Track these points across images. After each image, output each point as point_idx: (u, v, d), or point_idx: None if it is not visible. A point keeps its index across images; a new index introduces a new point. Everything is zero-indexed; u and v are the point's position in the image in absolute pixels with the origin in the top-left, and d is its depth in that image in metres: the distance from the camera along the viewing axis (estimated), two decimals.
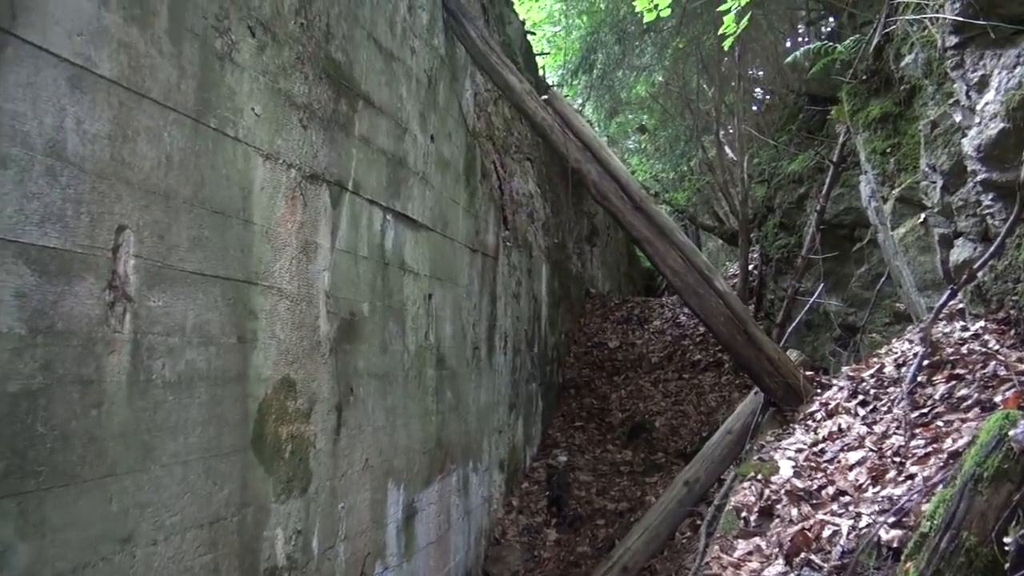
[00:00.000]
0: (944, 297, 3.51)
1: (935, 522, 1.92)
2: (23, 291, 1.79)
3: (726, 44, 4.47)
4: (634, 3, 5.27)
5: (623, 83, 9.70)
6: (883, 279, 5.78)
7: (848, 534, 2.43)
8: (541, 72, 9.32)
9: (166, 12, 2.28)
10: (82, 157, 1.97)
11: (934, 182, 4.71)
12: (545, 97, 4.56)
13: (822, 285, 5.45)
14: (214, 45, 2.52)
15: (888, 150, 5.43)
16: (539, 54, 9.12)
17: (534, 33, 9.41)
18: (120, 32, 2.10)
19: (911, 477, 2.49)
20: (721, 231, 13.90)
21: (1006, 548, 1.77)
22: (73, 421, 1.92)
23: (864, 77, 5.54)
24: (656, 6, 4.55)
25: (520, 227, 6.96)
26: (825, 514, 2.73)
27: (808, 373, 4.15)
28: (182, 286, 2.35)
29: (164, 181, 2.27)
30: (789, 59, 5.52)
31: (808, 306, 5.64)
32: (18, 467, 1.76)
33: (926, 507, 2.13)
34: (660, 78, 9.99)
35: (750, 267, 9.06)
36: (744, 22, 4.42)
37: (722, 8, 4.27)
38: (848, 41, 5.68)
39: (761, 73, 12.17)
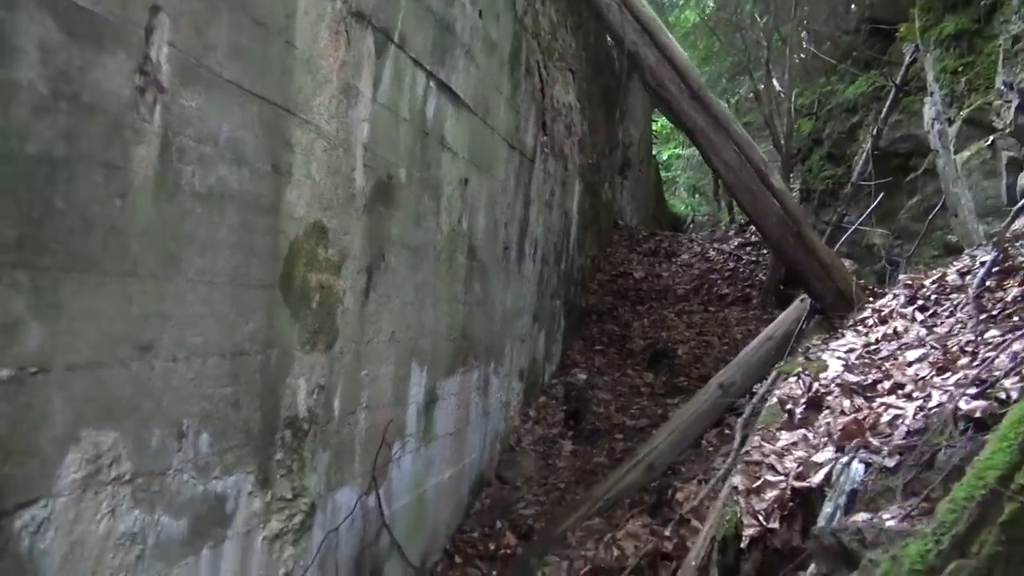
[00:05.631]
0: (1021, 204, 3.28)
1: None
2: (47, 46, 1.61)
3: None
4: None
5: (673, 5, 9.28)
6: (935, 210, 5.53)
7: (915, 415, 2.26)
8: None
9: None
10: None
11: (1009, 101, 4.40)
12: None
13: (877, 200, 5.19)
14: None
15: (960, 69, 5.11)
16: None
17: None
18: None
19: (989, 360, 2.30)
20: None
21: None
22: (95, 206, 1.76)
23: None
24: None
25: (558, 137, 6.70)
26: (882, 404, 2.55)
27: (860, 282, 3.94)
28: (218, 93, 2.16)
29: None
30: None
31: (850, 233, 5.40)
32: (33, 238, 1.60)
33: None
34: (712, 2, 9.55)
35: None
36: None
37: None
38: None
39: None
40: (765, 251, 8.71)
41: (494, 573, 4.04)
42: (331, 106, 2.78)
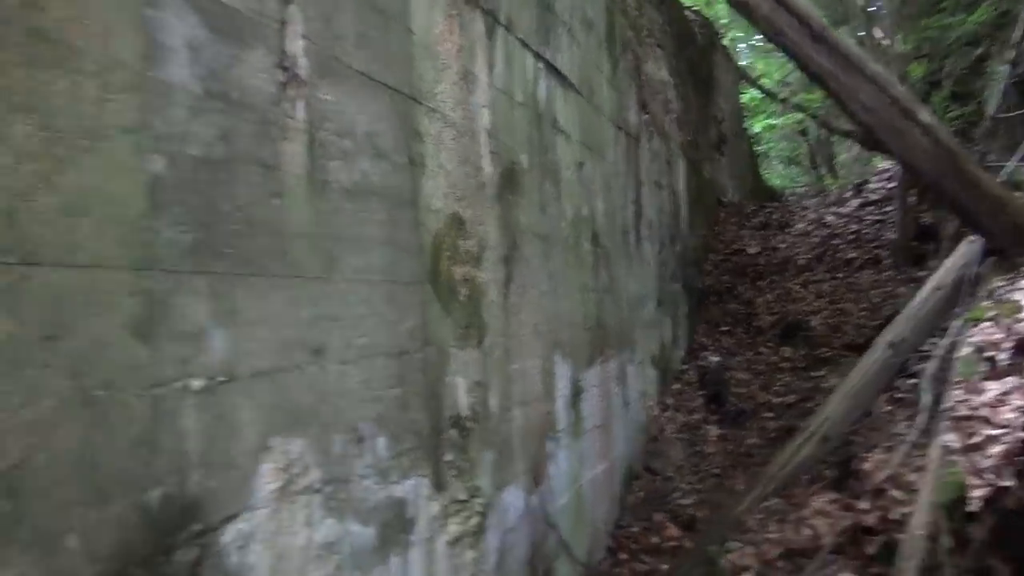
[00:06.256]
0: None
1: None
2: (195, 44, 1.56)
3: None
4: None
5: None
6: None
7: None
8: None
9: None
10: None
11: None
12: None
13: None
14: None
15: None
16: None
17: None
18: None
19: None
20: (858, 135, 12.78)
21: None
22: (255, 206, 1.70)
23: None
24: None
25: (657, 115, 6.47)
26: None
27: None
28: (350, 85, 2.09)
29: None
30: None
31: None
32: (206, 243, 1.55)
33: None
34: None
35: None
36: None
37: None
38: None
39: None
40: (890, 208, 8.16)
41: (663, 566, 3.84)
42: (453, 93, 2.69)
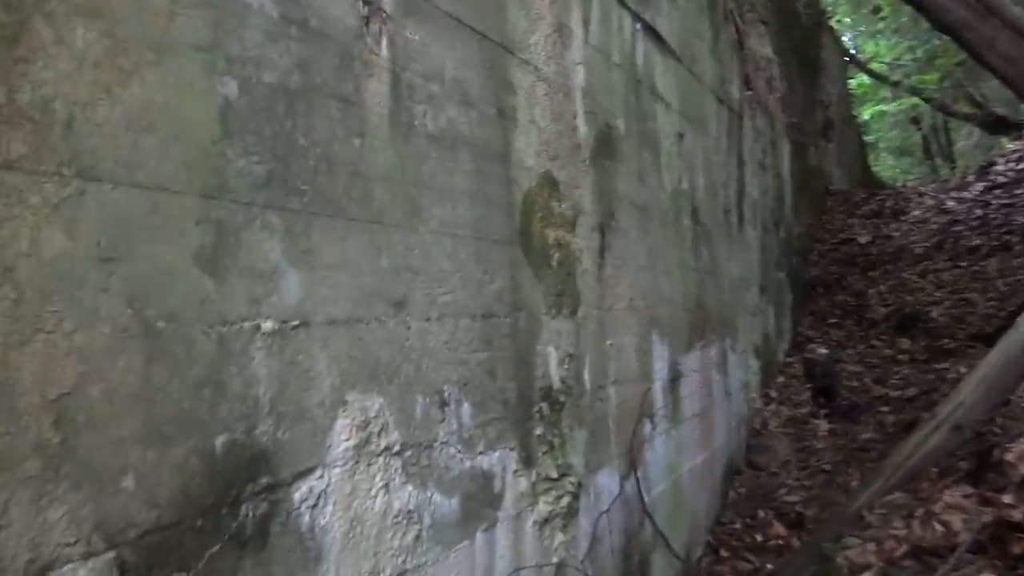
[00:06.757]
0: None
1: None
2: None
3: None
4: None
5: None
6: None
7: None
8: None
9: None
10: None
11: None
12: None
13: None
14: None
15: None
16: None
17: None
18: None
19: None
20: (981, 118, 11.88)
21: None
22: (335, 144, 1.58)
23: None
24: None
25: (761, 92, 6.12)
26: None
27: None
28: (437, 27, 1.95)
29: None
30: None
31: None
32: (281, 176, 1.44)
33: None
34: None
35: None
36: None
37: None
38: None
39: None
40: (1020, 191, 7.49)
41: (768, 566, 3.55)
42: (547, 46, 2.52)
